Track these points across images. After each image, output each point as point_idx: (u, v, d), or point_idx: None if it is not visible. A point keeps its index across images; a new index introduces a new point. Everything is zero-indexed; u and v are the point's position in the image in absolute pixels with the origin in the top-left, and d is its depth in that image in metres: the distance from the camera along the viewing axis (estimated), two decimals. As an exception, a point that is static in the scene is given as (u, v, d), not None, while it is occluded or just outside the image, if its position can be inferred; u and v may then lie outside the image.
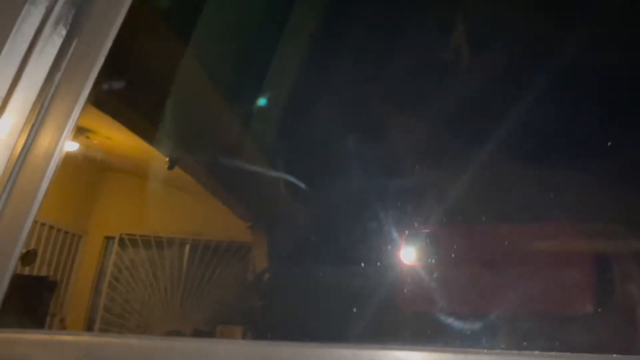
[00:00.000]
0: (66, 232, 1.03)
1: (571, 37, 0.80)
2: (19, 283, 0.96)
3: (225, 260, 0.98)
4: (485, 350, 0.42)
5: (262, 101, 0.96)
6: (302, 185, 0.90)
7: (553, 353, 0.40)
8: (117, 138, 0.92)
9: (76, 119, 0.52)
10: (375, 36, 0.94)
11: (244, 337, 0.92)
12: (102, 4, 0.53)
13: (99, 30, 0.52)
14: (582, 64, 0.79)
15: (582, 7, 0.81)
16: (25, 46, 0.50)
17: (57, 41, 0.51)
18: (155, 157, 0.96)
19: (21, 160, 0.54)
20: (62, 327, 1.00)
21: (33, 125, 0.51)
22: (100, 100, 0.85)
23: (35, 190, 0.51)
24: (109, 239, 1.05)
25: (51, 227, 1.01)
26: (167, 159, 0.97)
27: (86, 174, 0.98)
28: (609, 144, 0.72)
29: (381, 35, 0.94)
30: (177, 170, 0.97)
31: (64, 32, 0.51)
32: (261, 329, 0.92)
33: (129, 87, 0.83)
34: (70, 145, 0.94)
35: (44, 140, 0.51)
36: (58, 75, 0.51)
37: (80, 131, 0.87)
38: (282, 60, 0.94)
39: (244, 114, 0.96)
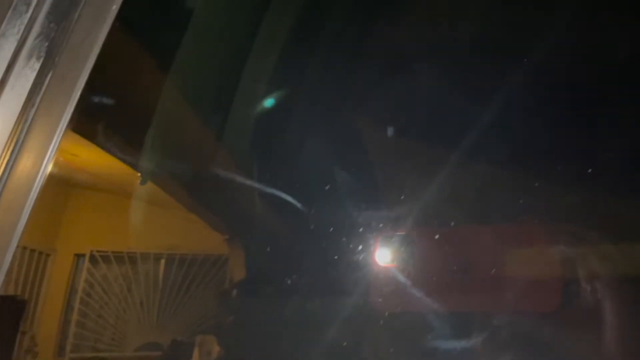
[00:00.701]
0: (32, 250, 1.00)
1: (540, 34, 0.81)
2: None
3: (202, 273, 0.97)
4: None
5: (235, 113, 0.95)
6: (278, 195, 0.89)
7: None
8: (84, 155, 0.89)
9: (56, 148, 0.50)
10: (347, 43, 0.94)
11: (223, 346, 0.92)
12: (77, 37, 0.51)
13: (75, 63, 0.50)
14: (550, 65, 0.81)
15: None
16: (-4, 81, 0.47)
17: (31, 75, 0.49)
18: (126, 173, 0.94)
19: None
20: (33, 343, 0.97)
21: (8, 162, 0.49)
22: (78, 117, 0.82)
23: (16, 222, 0.50)
24: (79, 256, 1.02)
25: (16, 246, 0.97)
26: (139, 174, 0.95)
27: (53, 192, 0.95)
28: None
29: (355, 41, 0.94)
30: (149, 185, 0.95)
31: (37, 66, 0.49)
32: (238, 339, 0.92)
33: (98, 105, 0.81)
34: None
35: (19, 178, 0.49)
36: (32, 111, 0.48)
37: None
38: (255, 72, 0.93)
39: (217, 126, 0.95)
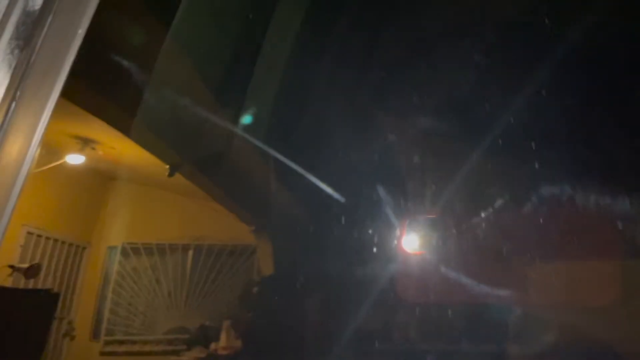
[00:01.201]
0: (70, 244, 1.05)
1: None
2: (21, 297, 0.98)
3: (229, 263, 1.01)
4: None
5: (261, 105, 0.98)
6: (303, 185, 0.91)
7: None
8: (120, 147, 0.93)
9: (41, 136, 0.51)
10: (366, 30, 0.95)
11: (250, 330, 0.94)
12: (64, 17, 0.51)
13: (63, 36, 0.50)
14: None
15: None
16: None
17: (16, 53, 0.50)
18: (156, 165, 0.98)
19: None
20: (71, 328, 1.02)
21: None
22: (104, 111, 0.87)
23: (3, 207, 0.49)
24: (111, 248, 1.07)
25: (56, 240, 1.02)
26: (168, 166, 0.99)
27: (91, 185, 1.00)
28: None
29: (372, 29, 0.94)
30: (178, 176, 0.99)
31: (17, 52, 0.50)
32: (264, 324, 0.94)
33: (133, 98, 0.85)
34: (76, 158, 0.96)
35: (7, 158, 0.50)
36: (18, 93, 0.49)
37: (86, 143, 0.89)
38: (280, 62, 0.95)
39: (244, 118, 0.98)
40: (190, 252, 1.05)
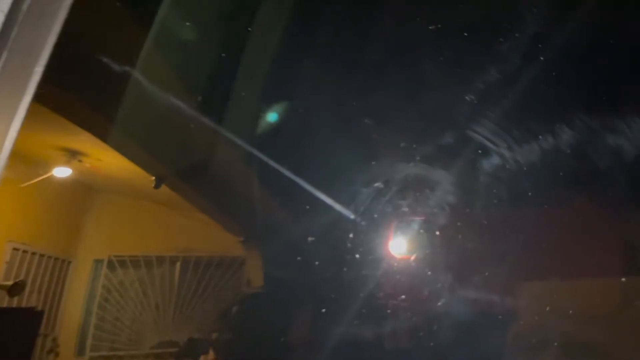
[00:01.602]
0: (56, 259, 1.03)
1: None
2: (3, 316, 0.96)
3: (217, 275, 1.00)
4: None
5: (251, 115, 0.98)
6: (291, 195, 0.91)
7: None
8: (106, 159, 0.93)
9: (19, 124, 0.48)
10: (351, 31, 0.95)
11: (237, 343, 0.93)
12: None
13: (30, 47, 0.49)
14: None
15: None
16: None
17: None
18: (142, 177, 0.97)
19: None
20: (55, 344, 1.00)
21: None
22: (89, 123, 0.86)
23: None
24: (97, 261, 1.05)
25: (41, 255, 1.01)
26: (154, 177, 0.98)
27: (77, 198, 0.99)
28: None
29: (357, 30, 0.94)
30: (164, 188, 0.98)
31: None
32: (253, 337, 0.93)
33: (118, 110, 0.85)
34: (63, 171, 0.95)
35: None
36: None
37: (73, 155, 0.88)
38: (264, 68, 0.95)
39: (233, 128, 0.97)
40: (178, 264, 1.04)
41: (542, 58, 0.77)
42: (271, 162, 0.91)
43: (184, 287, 1.03)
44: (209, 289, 1.01)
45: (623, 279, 0.65)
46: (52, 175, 0.91)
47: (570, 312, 0.64)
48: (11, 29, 0.51)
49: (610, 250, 0.67)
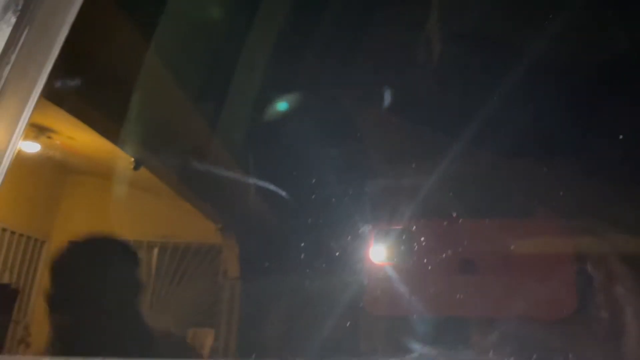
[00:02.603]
0: (29, 237, 1.00)
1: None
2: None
3: (195, 262, 0.96)
4: None
5: (231, 100, 0.94)
6: (272, 186, 0.88)
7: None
8: (80, 138, 0.89)
9: (29, 116, 0.49)
10: (347, 32, 0.94)
11: (216, 340, 0.90)
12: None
13: (53, 19, 0.49)
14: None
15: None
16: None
17: (6, 30, 0.48)
18: (120, 158, 0.94)
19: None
20: (27, 333, 0.97)
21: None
22: (61, 97, 0.82)
23: None
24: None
25: (12, 233, 0.97)
26: (133, 159, 0.94)
27: (49, 177, 0.95)
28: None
29: (354, 31, 0.93)
30: (143, 171, 0.94)
31: (13, 20, 0.48)
32: (233, 334, 0.91)
33: (91, 84, 0.81)
34: (30, 146, 0.91)
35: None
36: (7, 69, 0.47)
37: (41, 131, 0.84)
38: (250, 57, 0.92)
39: (212, 113, 0.94)
40: (156, 250, 1.00)
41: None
42: (255, 155, 0.90)
43: (161, 274, 1.00)
44: (186, 277, 0.97)
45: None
46: (20, 150, 0.87)
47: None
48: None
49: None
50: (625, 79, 0.74)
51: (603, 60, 0.77)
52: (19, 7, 0.48)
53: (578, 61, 0.79)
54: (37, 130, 0.81)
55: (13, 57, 0.48)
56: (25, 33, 0.49)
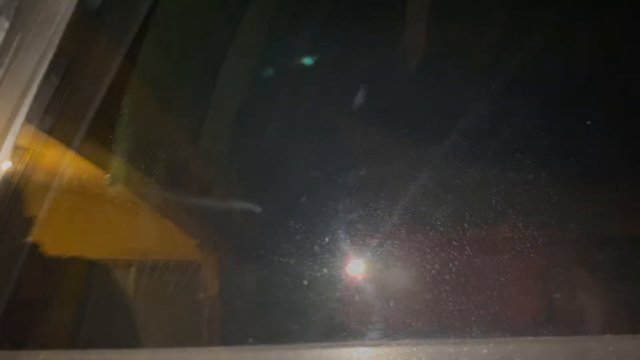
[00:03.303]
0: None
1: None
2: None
3: (174, 279, 0.94)
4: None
5: (210, 113, 0.93)
6: (251, 201, 0.88)
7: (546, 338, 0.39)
8: (51, 155, 0.87)
9: (16, 133, 0.48)
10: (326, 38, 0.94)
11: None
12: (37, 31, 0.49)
13: (46, 24, 0.48)
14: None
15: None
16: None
17: None
18: (94, 174, 0.92)
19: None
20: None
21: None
22: (32, 115, 0.80)
23: None
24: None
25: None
26: (108, 175, 0.93)
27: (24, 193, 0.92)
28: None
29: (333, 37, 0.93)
30: (119, 187, 0.92)
31: (6, 25, 0.47)
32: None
33: (64, 100, 0.79)
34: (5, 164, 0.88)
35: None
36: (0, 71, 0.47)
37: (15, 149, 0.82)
38: (230, 73, 0.91)
39: (192, 127, 0.93)
40: (133, 268, 0.98)
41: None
42: (237, 167, 0.89)
43: (139, 291, 0.97)
44: (165, 294, 0.95)
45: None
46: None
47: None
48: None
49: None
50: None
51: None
52: (12, 12, 0.47)
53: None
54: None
55: (6, 60, 0.47)
56: (17, 37, 0.48)
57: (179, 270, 0.93)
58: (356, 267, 0.78)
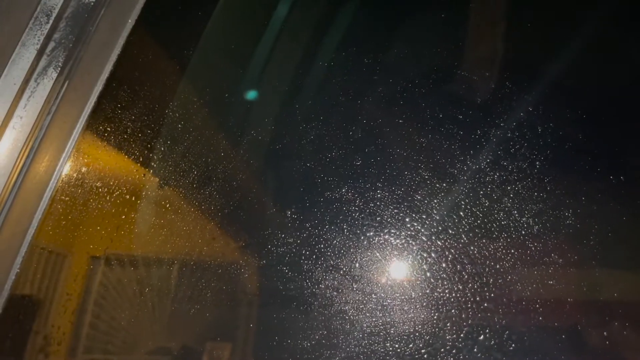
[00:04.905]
0: (50, 251, 1.01)
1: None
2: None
3: (215, 280, 0.97)
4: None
5: (254, 118, 0.95)
6: (293, 204, 0.89)
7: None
8: (103, 157, 0.89)
9: (67, 158, 0.50)
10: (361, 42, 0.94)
11: (232, 355, 0.92)
12: (95, 47, 0.51)
13: (91, 73, 0.50)
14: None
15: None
16: (15, 88, 0.47)
17: (48, 84, 0.49)
18: (145, 176, 0.94)
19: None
20: (46, 343, 0.98)
21: (23, 166, 0.49)
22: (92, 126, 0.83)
23: (31, 216, 0.50)
24: (94, 258, 1.03)
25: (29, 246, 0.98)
26: (158, 178, 0.95)
27: (71, 194, 0.96)
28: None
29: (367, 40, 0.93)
30: (167, 189, 0.95)
31: (54, 75, 0.49)
32: (250, 348, 0.92)
33: (121, 113, 0.81)
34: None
35: (33, 182, 0.49)
36: (48, 119, 0.49)
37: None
38: (273, 80, 0.92)
39: (235, 131, 0.95)
40: (176, 266, 1.01)
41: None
42: (280, 175, 0.91)
43: (181, 290, 1.00)
44: (205, 293, 0.98)
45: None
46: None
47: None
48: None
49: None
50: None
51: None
52: (60, 64, 0.50)
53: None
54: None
55: (54, 108, 0.49)
56: (65, 86, 0.50)
57: (220, 270, 0.96)
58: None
